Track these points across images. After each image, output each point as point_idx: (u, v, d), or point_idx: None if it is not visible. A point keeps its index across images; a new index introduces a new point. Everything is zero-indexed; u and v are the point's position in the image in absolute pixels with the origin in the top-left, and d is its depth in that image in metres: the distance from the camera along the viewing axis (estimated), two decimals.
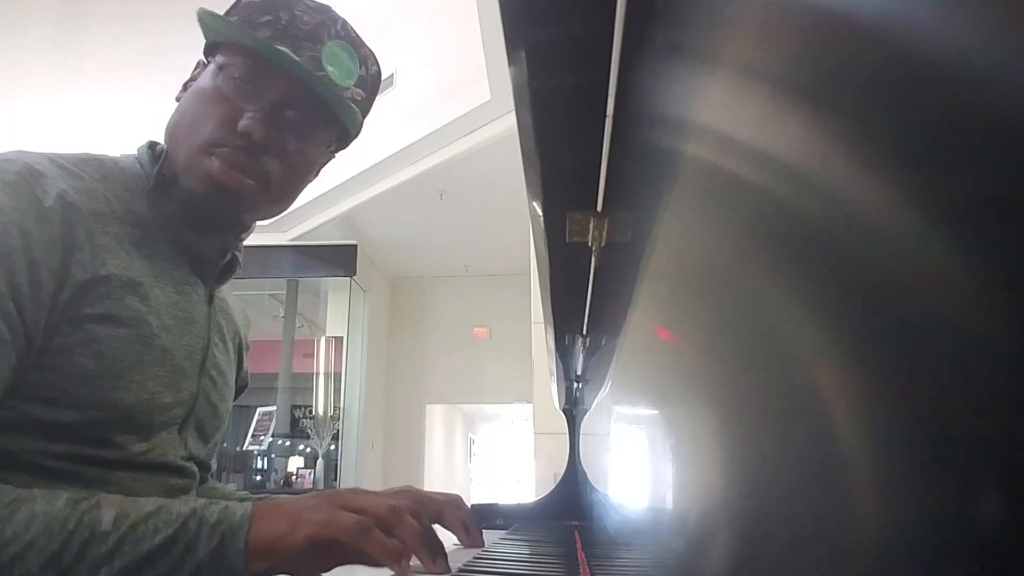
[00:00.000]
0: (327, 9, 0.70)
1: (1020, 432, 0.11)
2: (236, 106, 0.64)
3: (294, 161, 0.68)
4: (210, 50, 0.68)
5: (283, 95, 0.65)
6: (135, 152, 0.70)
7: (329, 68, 0.67)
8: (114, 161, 0.67)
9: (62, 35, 4.80)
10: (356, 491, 0.59)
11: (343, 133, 0.72)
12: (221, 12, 0.68)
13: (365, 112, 0.73)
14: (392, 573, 0.59)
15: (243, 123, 0.64)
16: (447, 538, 0.73)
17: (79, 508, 0.51)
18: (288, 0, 0.67)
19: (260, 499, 0.68)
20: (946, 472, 0.13)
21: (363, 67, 0.71)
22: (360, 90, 0.71)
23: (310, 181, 0.74)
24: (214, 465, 0.81)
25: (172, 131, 0.67)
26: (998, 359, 0.12)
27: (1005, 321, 0.12)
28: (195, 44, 0.69)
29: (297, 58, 0.64)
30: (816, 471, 0.20)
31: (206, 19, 0.66)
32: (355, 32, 0.71)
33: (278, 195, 0.69)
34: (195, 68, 0.71)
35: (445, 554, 0.60)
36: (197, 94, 0.67)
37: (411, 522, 0.57)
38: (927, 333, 0.14)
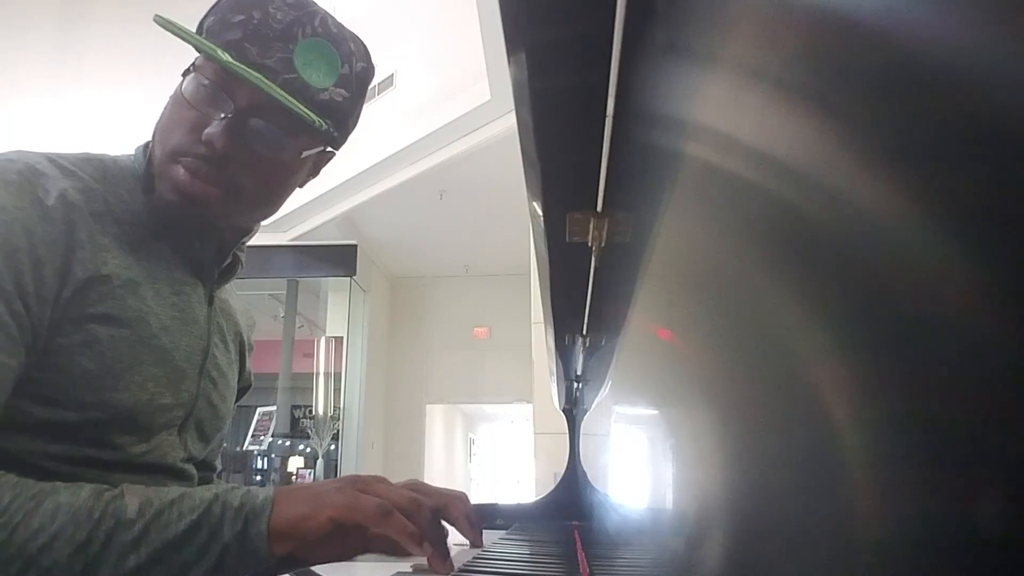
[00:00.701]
0: (305, 4, 0.65)
1: (1020, 432, 0.11)
2: (203, 113, 0.62)
3: (266, 168, 0.65)
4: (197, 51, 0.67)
5: (249, 102, 0.62)
6: (133, 152, 0.69)
7: (302, 69, 0.63)
8: (114, 161, 0.67)
9: (62, 35, 4.80)
10: (376, 478, 0.60)
11: (326, 135, 0.67)
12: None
13: (350, 112, 0.69)
14: (396, 571, 0.60)
15: (207, 132, 0.61)
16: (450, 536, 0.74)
17: (103, 498, 0.51)
18: None
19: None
20: (946, 472, 0.13)
21: (345, 65, 0.66)
22: (342, 90, 0.66)
23: (300, 183, 0.72)
24: (219, 465, 0.81)
25: (153, 134, 0.66)
26: (999, 359, 0.12)
27: (1006, 321, 0.12)
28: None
29: (260, 64, 0.61)
30: (816, 471, 0.20)
31: (164, 26, 0.63)
32: (338, 28, 0.67)
33: (255, 202, 0.67)
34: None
35: (449, 551, 0.62)
36: (174, 98, 0.65)
37: (428, 514, 0.59)
38: (927, 333, 0.14)
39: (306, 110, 0.62)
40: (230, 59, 0.60)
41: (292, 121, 0.63)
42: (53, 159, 0.61)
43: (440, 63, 4.97)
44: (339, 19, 0.69)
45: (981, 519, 0.12)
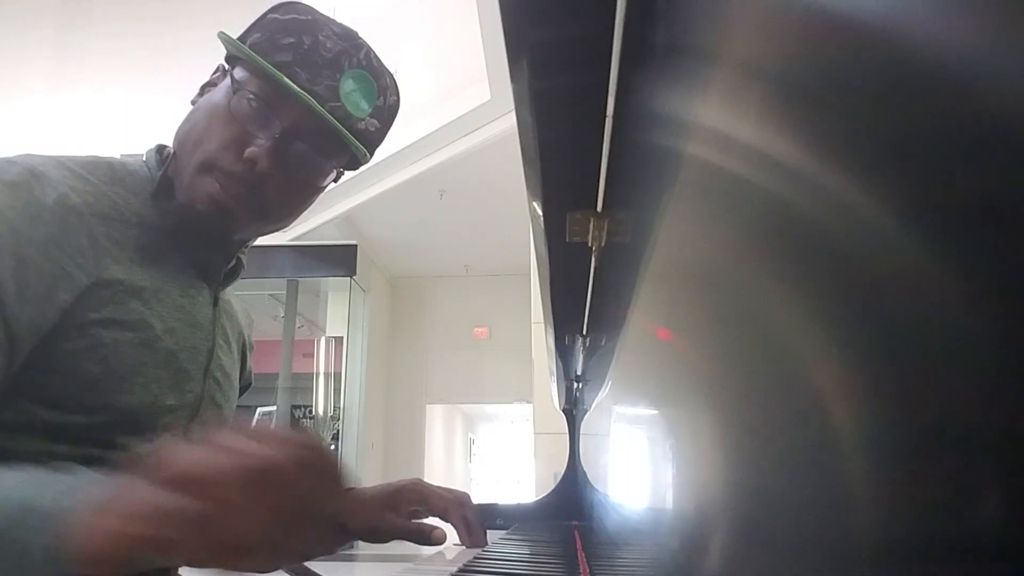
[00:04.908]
0: (353, 36, 0.69)
1: (1020, 432, 0.11)
2: (246, 130, 0.64)
3: (298, 189, 0.68)
4: (231, 60, 0.68)
5: (294, 124, 0.64)
6: (143, 155, 0.70)
7: (345, 99, 0.66)
8: (123, 164, 0.67)
9: (62, 35, 4.80)
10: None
11: (352, 160, 0.71)
12: (232, 15, 0.67)
13: (378, 142, 0.72)
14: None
15: (250, 150, 0.63)
16: (450, 537, 0.73)
17: None
18: (314, 24, 0.66)
19: None
20: (945, 472, 0.13)
21: (381, 97, 0.70)
22: (375, 120, 0.70)
23: (313, 202, 0.74)
24: None
25: (182, 139, 0.66)
26: (997, 360, 0.12)
27: (1004, 322, 0.12)
28: (194, 43, 0.70)
29: (309, 90, 0.63)
30: (815, 471, 0.20)
31: (224, 41, 0.66)
32: (378, 61, 0.70)
33: (277, 218, 0.69)
34: (214, 72, 0.70)
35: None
36: (210, 108, 0.66)
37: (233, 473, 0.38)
38: (926, 334, 0.14)
39: (354, 140, 0.66)
40: (299, 88, 0.63)
41: (332, 146, 0.67)
42: (61, 161, 0.60)
43: (440, 63, 4.97)
44: (340, 19, 0.71)
45: (979, 518, 0.12)
